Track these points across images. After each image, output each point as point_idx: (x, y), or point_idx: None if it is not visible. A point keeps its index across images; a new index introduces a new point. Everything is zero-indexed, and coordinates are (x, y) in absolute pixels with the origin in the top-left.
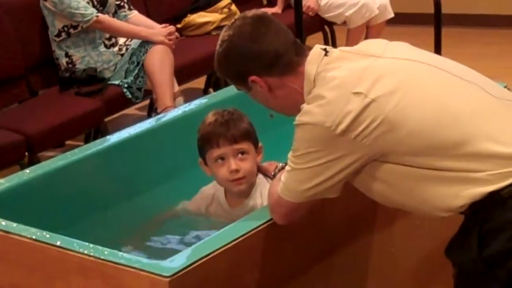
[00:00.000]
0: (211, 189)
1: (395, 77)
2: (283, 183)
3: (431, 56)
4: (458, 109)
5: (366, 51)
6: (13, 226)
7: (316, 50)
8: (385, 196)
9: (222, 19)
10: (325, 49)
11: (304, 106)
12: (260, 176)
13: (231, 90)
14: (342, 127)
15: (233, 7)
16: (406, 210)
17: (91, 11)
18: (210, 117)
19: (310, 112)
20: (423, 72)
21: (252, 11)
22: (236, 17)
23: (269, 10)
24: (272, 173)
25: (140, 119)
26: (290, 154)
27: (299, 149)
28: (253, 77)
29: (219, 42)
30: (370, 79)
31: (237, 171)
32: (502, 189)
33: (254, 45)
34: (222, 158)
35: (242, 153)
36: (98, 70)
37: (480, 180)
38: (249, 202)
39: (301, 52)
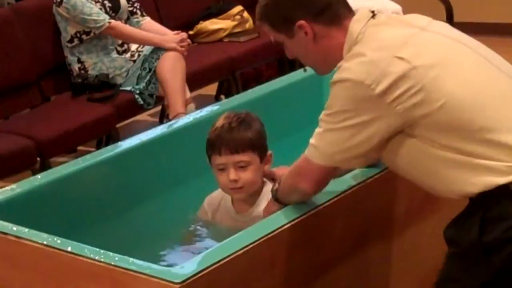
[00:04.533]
0: (218, 195)
1: (438, 51)
2: (313, 146)
3: (473, 41)
4: (490, 96)
5: (411, 21)
6: (24, 231)
7: (364, 11)
8: (406, 170)
9: (234, 26)
10: (372, 12)
11: (343, 64)
12: (268, 183)
13: (243, 96)
14: (381, 87)
15: (246, 14)
16: (421, 187)
17: (104, 17)
18: (219, 121)
19: (351, 69)
20: (464, 53)
21: None
22: None
23: None
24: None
25: (151, 125)
26: (323, 114)
27: (333, 106)
28: (301, 22)
29: None
30: (414, 47)
31: (235, 181)
32: None
33: None
34: (223, 167)
35: (243, 165)
36: (110, 76)
37: (497, 170)
38: (256, 209)
39: (349, 7)
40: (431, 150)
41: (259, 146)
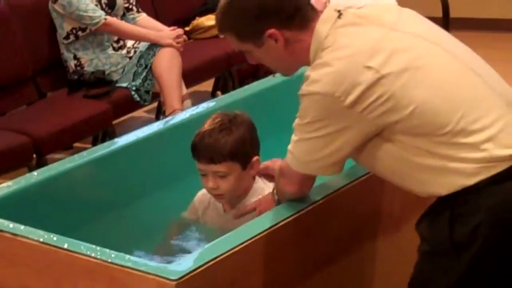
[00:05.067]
0: (207, 193)
1: (407, 55)
2: (291, 153)
3: (443, 36)
4: (460, 99)
5: (380, 19)
6: (20, 228)
7: (330, 10)
8: (382, 172)
9: None
10: (339, 11)
11: (311, 75)
12: (258, 180)
13: (239, 93)
14: (351, 98)
15: None
16: (395, 184)
17: (100, 13)
18: (205, 125)
19: (319, 81)
20: (434, 54)
21: None
22: None
23: None
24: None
25: (148, 121)
26: (296, 123)
27: (305, 117)
28: (271, 31)
29: None
30: (383, 54)
31: (214, 189)
32: (480, 182)
33: None
34: (204, 173)
35: (221, 174)
36: (106, 72)
37: (465, 172)
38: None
39: (315, 8)
40: (403, 153)
41: (239, 155)
